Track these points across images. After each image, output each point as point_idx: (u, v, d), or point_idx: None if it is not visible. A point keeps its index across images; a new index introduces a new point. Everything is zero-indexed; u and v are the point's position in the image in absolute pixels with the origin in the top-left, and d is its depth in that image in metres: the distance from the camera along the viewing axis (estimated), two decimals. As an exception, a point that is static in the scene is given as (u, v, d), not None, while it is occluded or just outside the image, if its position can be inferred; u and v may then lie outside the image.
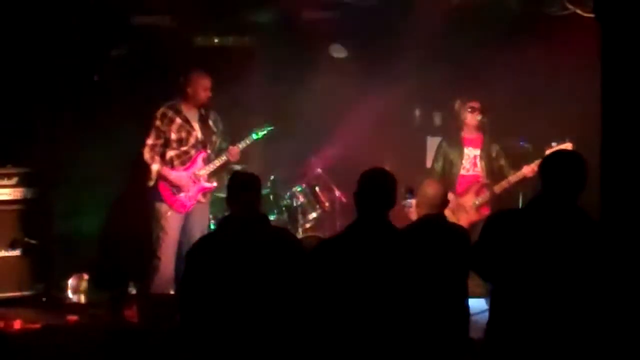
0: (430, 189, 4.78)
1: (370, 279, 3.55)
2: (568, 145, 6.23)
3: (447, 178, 6.58)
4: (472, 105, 6.66)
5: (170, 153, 6.29)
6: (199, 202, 6.36)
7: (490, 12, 7.14)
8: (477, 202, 6.55)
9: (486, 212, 6.50)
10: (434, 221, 4.65)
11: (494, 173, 6.66)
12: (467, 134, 6.75)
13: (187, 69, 6.46)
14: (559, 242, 3.41)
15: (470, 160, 6.70)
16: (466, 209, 6.55)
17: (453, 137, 6.79)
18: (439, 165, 6.76)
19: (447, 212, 5.00)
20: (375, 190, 3.68)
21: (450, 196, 5.39)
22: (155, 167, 6.24)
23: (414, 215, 5.45)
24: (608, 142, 3.96)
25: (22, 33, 6.95)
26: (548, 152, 6.21)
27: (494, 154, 6.67)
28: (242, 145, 6.49)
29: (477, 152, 6.70)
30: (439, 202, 4.72)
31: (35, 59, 7.05)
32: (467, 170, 6.71)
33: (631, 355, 3.56)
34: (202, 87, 6.31)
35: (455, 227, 4.83)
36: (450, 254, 4.35)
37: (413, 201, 6.30)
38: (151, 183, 6.26)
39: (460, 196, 6.60)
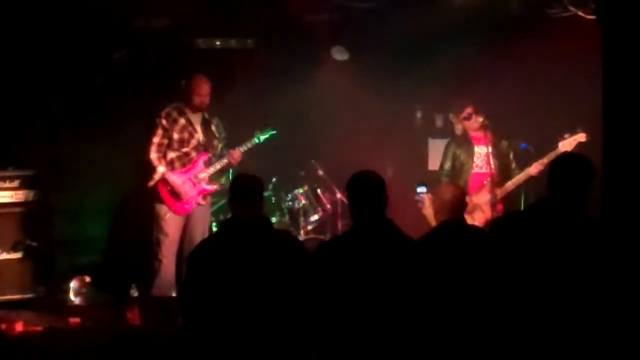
0: (448, 193, 4.58)
1: (372, 280, 3.55)
2: (582, 136, 6.13)
3: (458, 178, 6.51)
4: (466, 113, 6.60)
5: (171, 154, 6.27)
6: (199, 204, 6.34)
7: (492, 13, 7.14)
8: (492, 200, 6.41)
9: (501, 209, 6.41)
10: (455, 226, 4.43)
11: (507, 169, 6.57)
12: (474, 133, 6.67)
13: (188, 73, 6.45)
14: (565, 246, 3.41)
15: (482, 158, 6.54)
16: (482, 208, 6.38)
17: (461, 137, 6.71)
18: (448, 166, 6.66)
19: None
20: (362, 192, 3.68)
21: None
22: (161, 169, 6.20)
23: (428, 210, 5.35)
24: (610, 143, 3.96)
25: (24, 36, 6.96)
26: (560, 143, 6.18)
27: (504, 151, 6.61)
28: (243, 148, 6.47)
29: (488, 149, 6.48)
30: (458, 205, 4.52)
31: (37, 61, 7.05)
32: (479, 168, 6.58)
33: (635, 357, 3.55)
34: (197, 92, 6.24)
35: (477, 231, 4.67)
36: (474, 258, 4.15)
37: (425, 195, 6.27)
38: (152, 183, 6.24)
39: (475, 195, 6.45)
